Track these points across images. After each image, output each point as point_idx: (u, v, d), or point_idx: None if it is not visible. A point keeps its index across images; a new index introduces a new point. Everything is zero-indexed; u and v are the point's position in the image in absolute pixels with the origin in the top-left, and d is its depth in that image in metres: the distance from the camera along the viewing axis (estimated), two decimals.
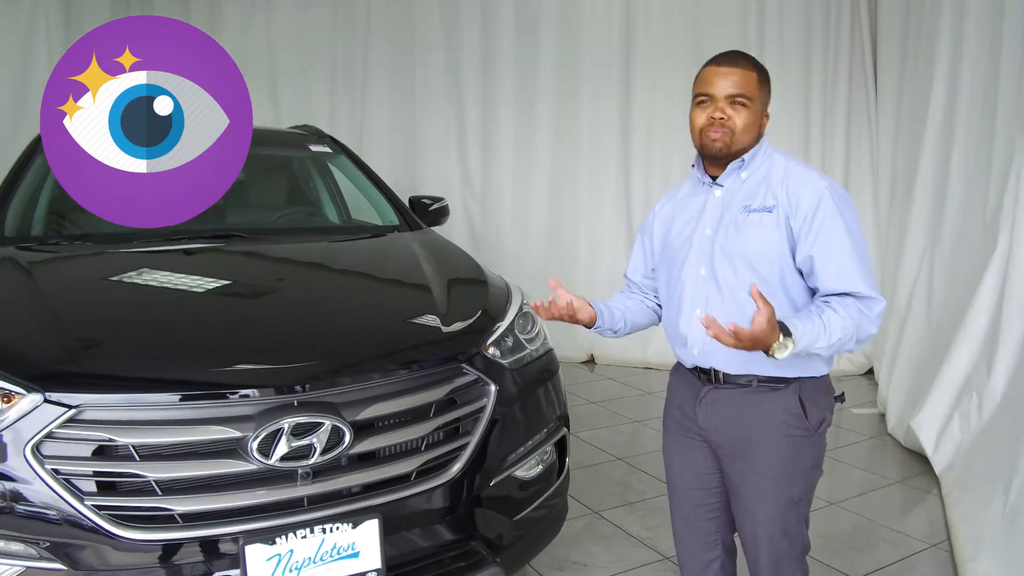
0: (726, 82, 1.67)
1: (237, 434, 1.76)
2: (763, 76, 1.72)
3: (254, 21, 7.10)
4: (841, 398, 1.83)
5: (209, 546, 1.76)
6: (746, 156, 1.72)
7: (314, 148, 3.70)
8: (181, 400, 1.79)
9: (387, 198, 3.44)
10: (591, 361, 5.89)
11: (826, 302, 1.61)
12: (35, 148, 3.23)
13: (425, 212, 3.49)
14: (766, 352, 1.49)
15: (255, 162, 3.67)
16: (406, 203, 3.50)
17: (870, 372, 5.23)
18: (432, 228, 3.37)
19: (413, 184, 6.04)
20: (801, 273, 1.67)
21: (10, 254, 2.51)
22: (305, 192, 3.79)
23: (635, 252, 2.03)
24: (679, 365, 1.91)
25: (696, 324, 1.75)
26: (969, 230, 3.55)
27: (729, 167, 1.73)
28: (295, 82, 7.05)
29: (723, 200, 1.75)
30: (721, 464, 1.83)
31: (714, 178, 1.77)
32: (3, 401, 1.77)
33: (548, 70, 5.96)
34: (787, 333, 1.49)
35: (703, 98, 1.71)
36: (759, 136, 1.73)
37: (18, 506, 1.70)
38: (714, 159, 1.73)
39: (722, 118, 1.67)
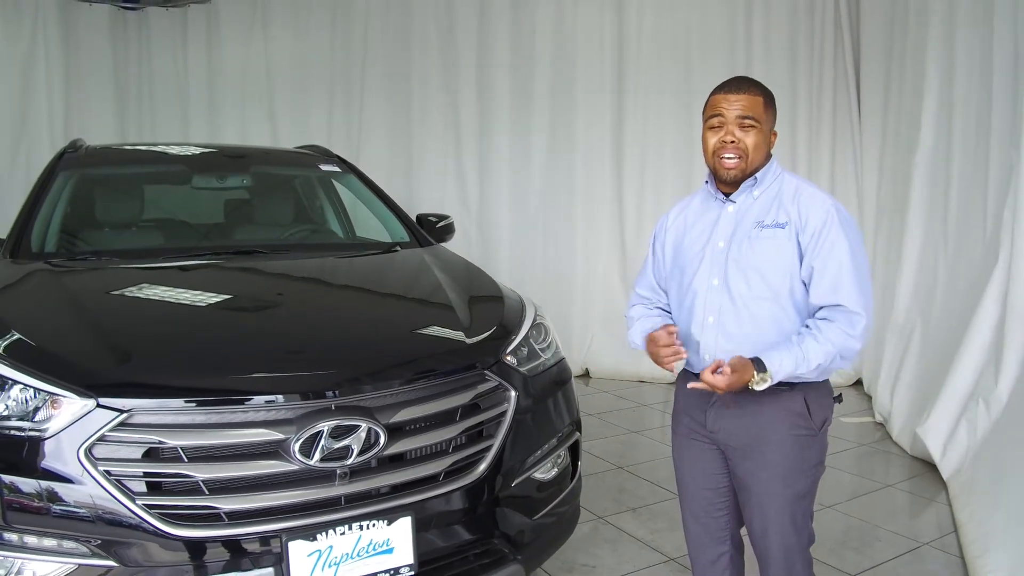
0: (735, 106, 1.81)
1: (279, 436, 1.86)
2: (768, 99, 1.87)
3: (252, 44, 7.24)
4: (839, 399, 1.97)
5: (253, 543, 1.86)
6: (758, 175, 1.86)
7: (324, 167, 3.82)
8: (226, 404, 1.90)
9: (397, 216, 3.56)
10: (586, 375, 6.01)
11: (808, 327, 1.77)
12: (54, 166, 3.33)
13: (432, 229, 3.60)
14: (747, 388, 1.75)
15: (269, 180, 3.82)
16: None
17: (858, 383, 5.40)
18: (440, 244, 3.49)
19: (411, 205, 6.16)
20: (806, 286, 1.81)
21: (42, 268, 2.61)
22: (316, 210, 3.90)
23: (648, 263, 2.13)
24: (686, 372, 2.02)
25: (708, 330, 1.88)
26: (970, 243, 3.70)
27: (742, 185, 1.87)
28: (292, 104, 7.19)
29: (736, 215, 1.88)
30: (730, 464, 1.95)
31: (727, 194, 1.90)
32: (51, 406, 1.87)
33: (543, 94, 6.13)
34: (763, 368, 1.73)
35: (715, 122, 1.84)
36: (768, 154, 1.87)
37: (71, 506, 1.79)
38: (729, 183, 1.87)
39: (733, 141, 1.81)
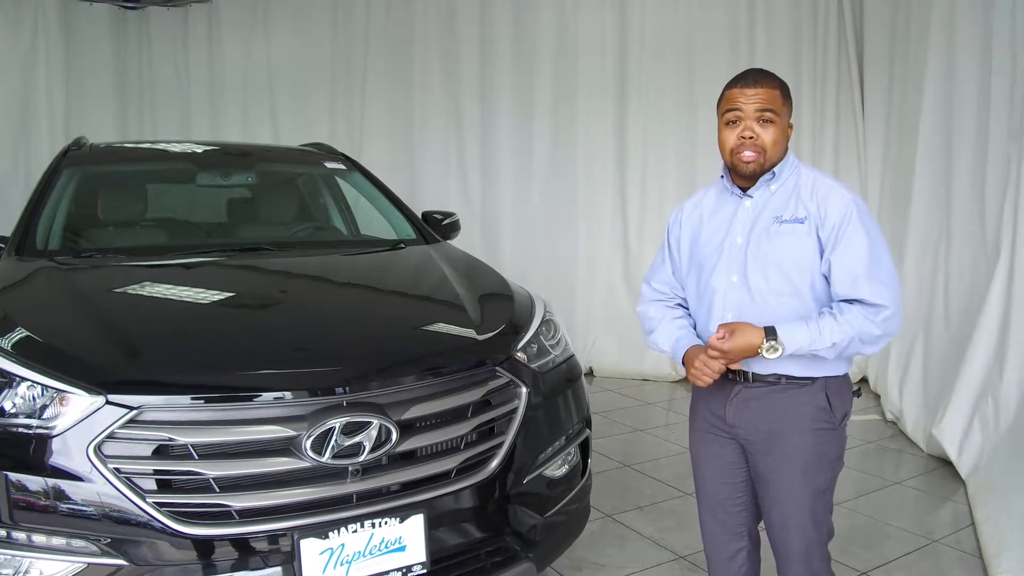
0: (753, 100, 1.78)
1: (291, 433, 1.84)
2: (785, 91, 1.83)
3: (253, 43, 7.23)
4: (858, 393, 1.95)
5: (265, 541, 1.83)
6: (775, 169, 1.83)
7: (329, 165, 3.80)
8: (237, 401, 1.88)
9: (402, 213, 3.54)
10: (590, 373, 5.99)
11: (829, 308, 1.75)
12: (58, 164, 3.30)
13: (437, 226, 3.58)
14: (756, 354, 1.71)
15: (274, 178, 3.80)
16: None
17: (862, 381, 5.38)
18: (446, 241, 3.47)
19: (413, 205, 6.13)
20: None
21: (47, 265, 2.59)
22: (320, 207, 3.89)
23: (662, 257, 2.08)
24: None
25: None
26: (972, 239, 3.69)
27: (760, 180, 1.84)
28: (293, 104, 7.17)
29: (753, 210, 1.85)
30: (749, 459, 1.93)
31: (743, 189, 1.88)
32: (59, 404, 1.84)
33: (544, 92, 6.10)
34: (774, 336, 1.68)
35: (731, 117, 1.81)
36: (785, 148, 1.85)
37: (80, 505, 1.77)
38: (747, 178, 1.84)
39: (752, 136, 1.78)
